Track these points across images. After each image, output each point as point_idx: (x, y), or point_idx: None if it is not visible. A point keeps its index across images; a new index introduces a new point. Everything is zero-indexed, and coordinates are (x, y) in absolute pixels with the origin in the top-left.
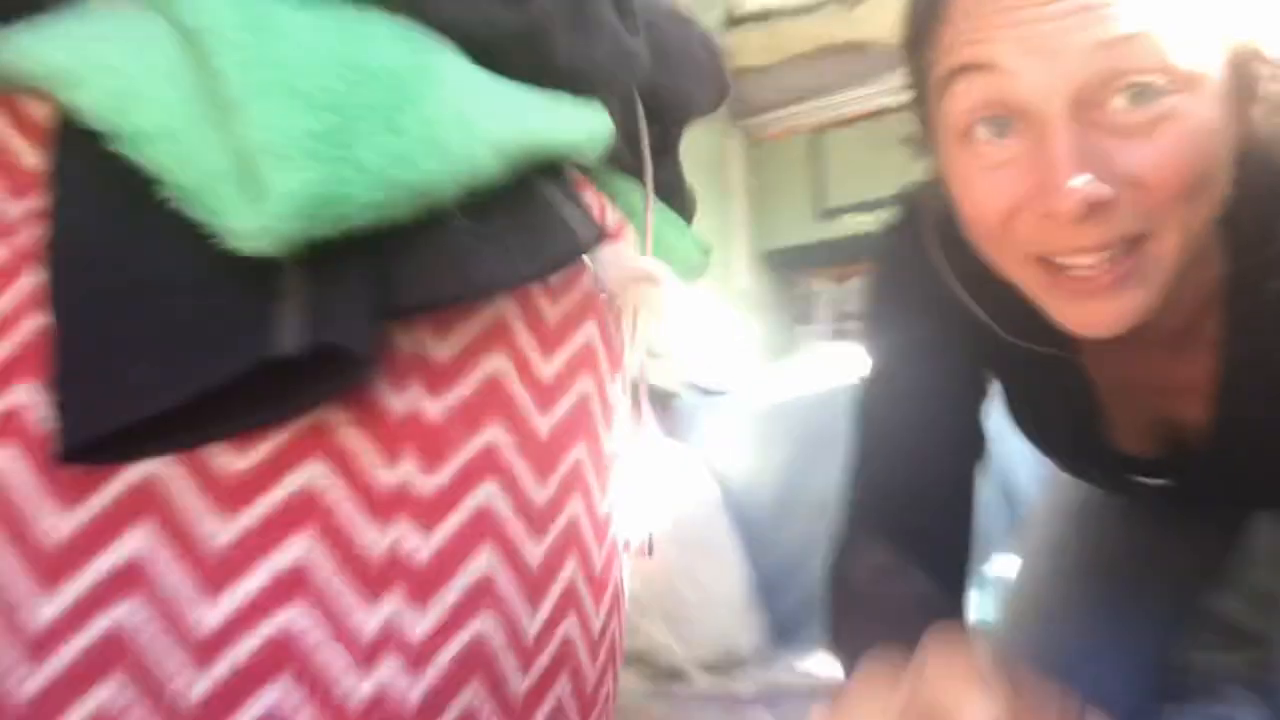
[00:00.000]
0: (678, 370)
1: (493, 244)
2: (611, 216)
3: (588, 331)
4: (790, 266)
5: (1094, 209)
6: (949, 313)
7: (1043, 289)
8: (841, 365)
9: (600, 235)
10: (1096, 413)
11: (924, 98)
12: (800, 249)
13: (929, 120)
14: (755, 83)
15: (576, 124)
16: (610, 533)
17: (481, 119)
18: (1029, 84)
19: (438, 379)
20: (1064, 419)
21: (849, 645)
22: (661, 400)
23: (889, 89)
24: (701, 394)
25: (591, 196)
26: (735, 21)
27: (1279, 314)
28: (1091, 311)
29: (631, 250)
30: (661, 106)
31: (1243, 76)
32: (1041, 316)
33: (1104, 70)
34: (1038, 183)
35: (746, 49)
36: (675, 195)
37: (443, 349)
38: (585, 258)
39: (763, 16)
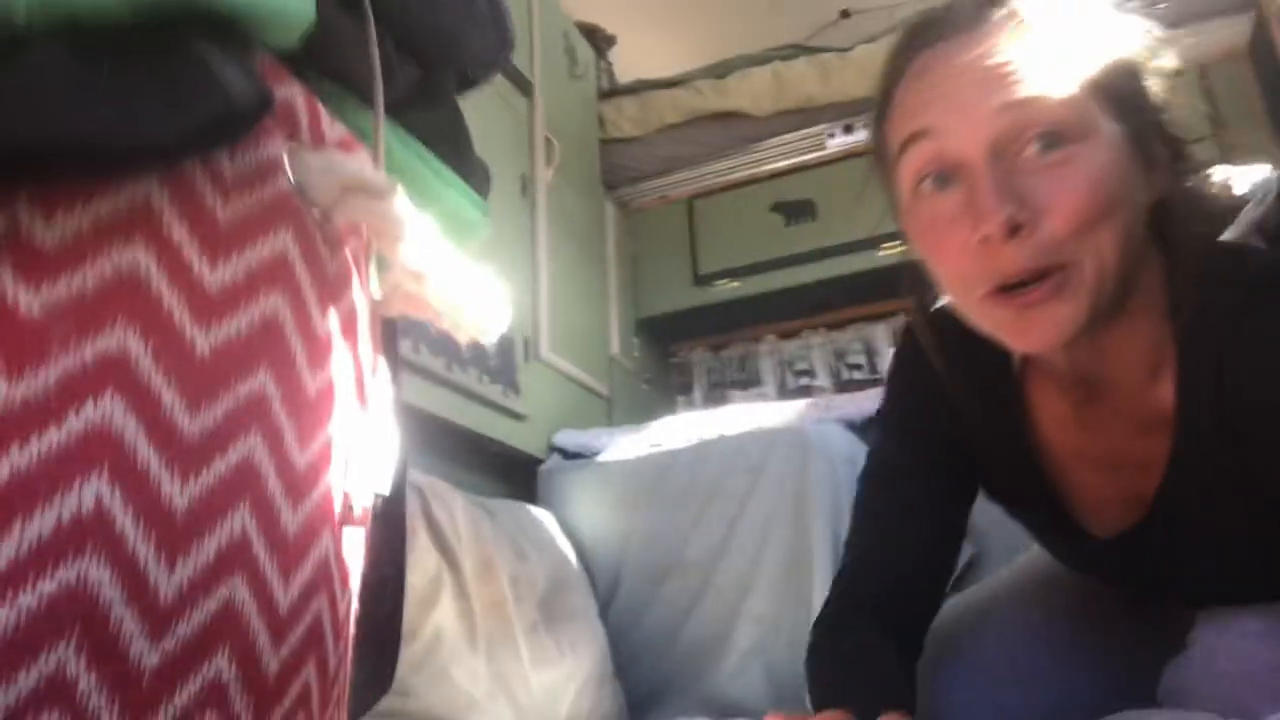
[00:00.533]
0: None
1: (105, 92)
2: (334, 130)
3: (277, 242)
4: (666, 334)
5: (1015, 230)
6: (939, 407)
7: (995, 317)
8: (709, 428)
9: (267, 103)
10: (1058, 490)
11: (886, 166)
12: (675, 316)
13: (892, 185)
14: (629, 153)
15: None
16: (313, 491)
17: None
18: (956, 140)
19: (39, 265)
20: (1029, 494)
21: (822, 696)
22: (526, 464)
23: (758, 157)
24: (564, 458)
25: (300, 98)
26: (608, 94)
27: (1221, 374)
28: (1033, 324)
29: (354, 161)
30: (424, 46)
31: (1141, 141)
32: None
33: (1012, 125)
34: (973, 217)
35: (620, 120)
36: (451, 149)
37: (51, 229)
38: (284, 161)
39: (635, 89)
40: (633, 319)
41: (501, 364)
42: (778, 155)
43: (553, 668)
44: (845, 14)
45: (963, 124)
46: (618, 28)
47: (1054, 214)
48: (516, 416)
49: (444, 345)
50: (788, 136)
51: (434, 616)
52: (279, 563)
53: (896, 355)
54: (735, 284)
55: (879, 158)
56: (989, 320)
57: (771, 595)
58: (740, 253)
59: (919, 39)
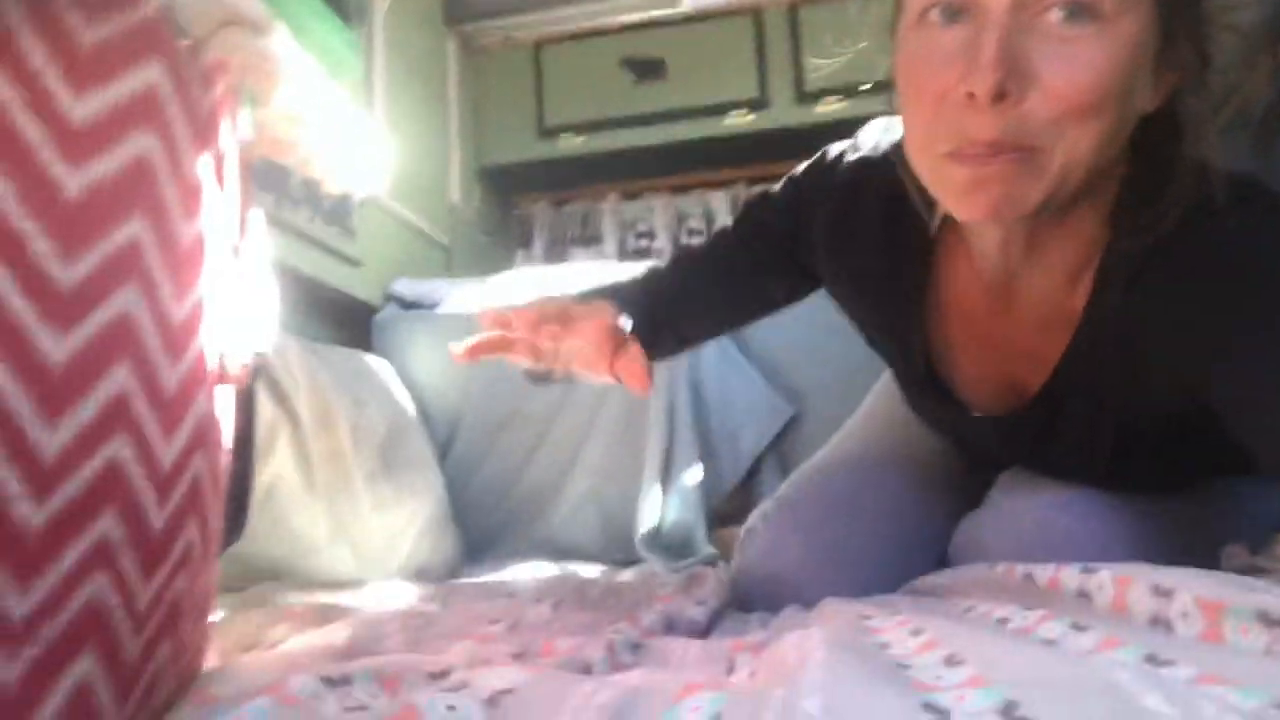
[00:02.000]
0: (375, 280)
1: None
2: None
3: (148, 75)
4: (508, 185)
5: (1002, 99)
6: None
7: (947, 175)
8: (552, 285)
9: None
10: (940, 357)
11: None
12: (518, 167)
13: (898, 4)
14: None
15: None
16: (190, 347)
17: None
18: None
19: None
20: (906, 350)
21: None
22: (360, 312)
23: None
24: (401, 307)
25: None
26: None
27: (1131, 300)
28: (983, 192)
29: None
30: None
31: (1168, 43)
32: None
33: None
34: (967, 64)
35: None
36: None
37: None
38: None
39: None
40: (474, 167)
41: (336, 206)
42: (630, 7)
43: (391, 513)
44: None
45: None
46: None
47: (1046, 91)
48: (352, 262)
49: (272, 179)
50: None
51: (271, 464)
52: (160, 421)
53: (815, 164)
54: (580, 139)
55: None
56: (939, 180)
57: (606, 446)
58: (587, 107)
59: None
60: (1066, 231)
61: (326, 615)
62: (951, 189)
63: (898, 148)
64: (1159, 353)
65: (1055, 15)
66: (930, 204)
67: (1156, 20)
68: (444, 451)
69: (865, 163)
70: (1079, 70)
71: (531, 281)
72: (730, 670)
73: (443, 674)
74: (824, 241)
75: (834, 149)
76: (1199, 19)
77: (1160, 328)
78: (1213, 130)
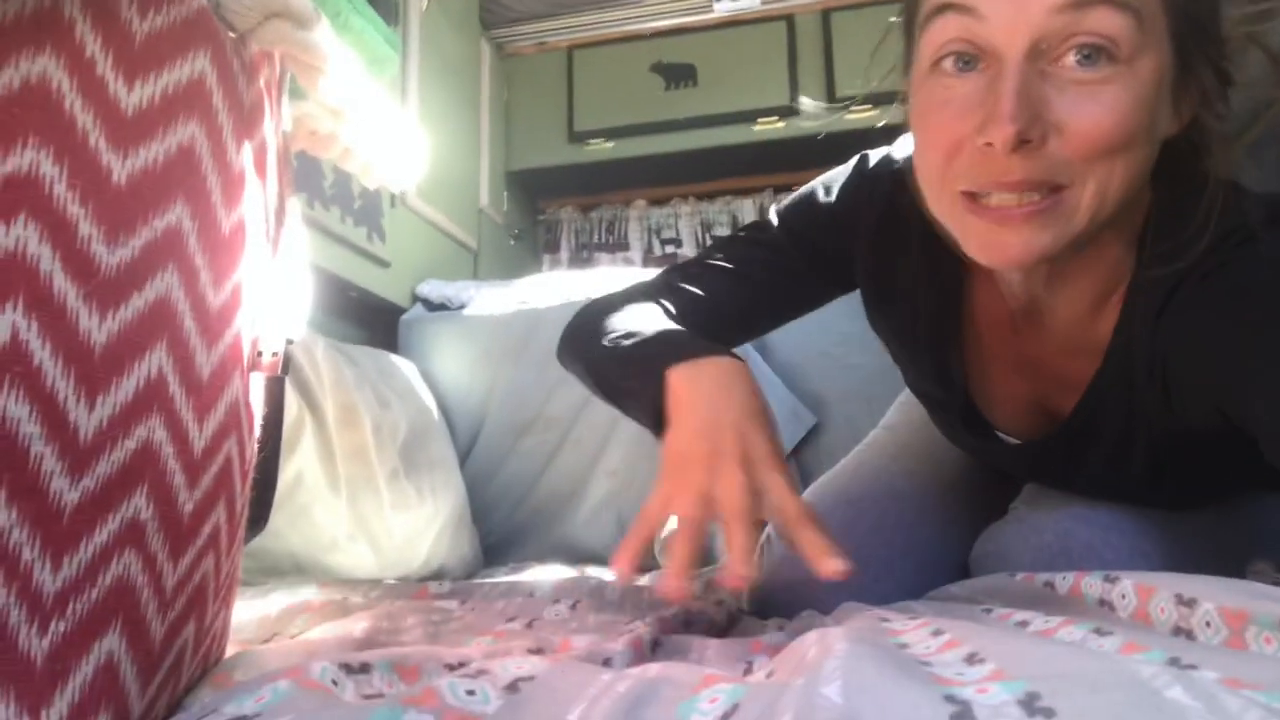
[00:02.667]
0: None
1: None
2: None
3: (196, 65)
4: (536, 190)
5: (1023, 145)
6: (848, 241)
7: (965, 224)
8: (578, 289)
9: None
10: (972, 377)
11: (911, 17)
12: (547, 171)
13: (911, 42)
14: None
15: None
16: (226, 333)
17: None
18: (996, 27)
19: None
20: (939, 369)
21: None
22: (388, 312)
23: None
24: (428, 308)
25: None
26: None
27: (1162, 327)
28: (1005, 242)
29: None
30: None
31: (1186, 71)
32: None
33: (1064, 28)
34: (985, 114)
35: None
36: None
37: None
38: None
39: None
40: (503, 171)
41: (366, 207)
42: (663, 12)
43: (412, 512)
44: None
45: (1009, 14)
46: None
47: (1068, 136)
48: (380, 263)
49: (305, 180)
50: None
51: (295, 460)
52: (194, 405)
53: (855, 181)
54: (610, 145)
55: (908, 4)
56: (955, 222)
57: (626, 451)
58: (617, 112)
59: None
60: (1090, 259)
61: (346, 608)
62: (968, 235)
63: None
64: (1192, 378)
65: (1071, 60)
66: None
67: (1173, 52)
68: (466, 452)
69: (901, 185)
70: (1101, 114)
71: (556, 284)
72: (748, 670)
73: (461, 665)
74: (866, 266)
75: (871, 163)
76: (1215, 43)
77: (1194, 354)
78: (1238, 150)
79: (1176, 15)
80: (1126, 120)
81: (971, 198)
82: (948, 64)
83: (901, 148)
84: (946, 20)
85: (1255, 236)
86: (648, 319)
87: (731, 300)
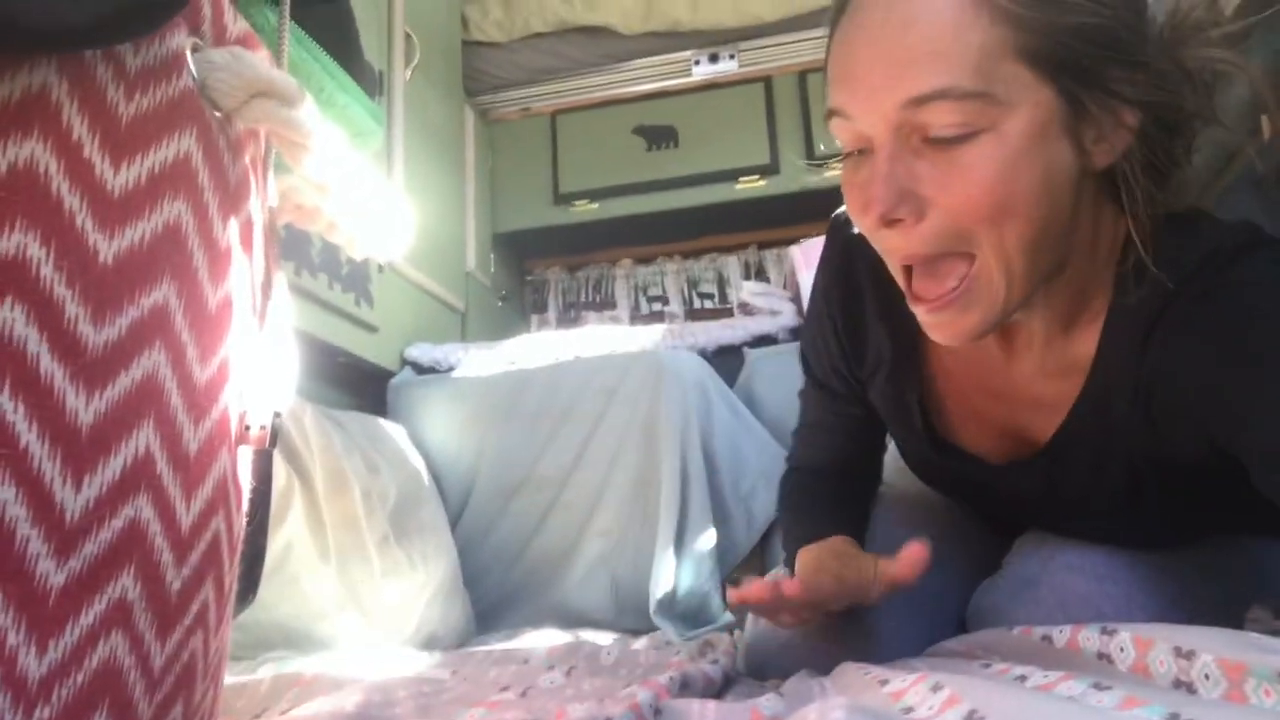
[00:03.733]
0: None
1: None
2: (237, 25)
3: (181, 145)
4: (523, 251)
5: (894, 224)
6: (833, 336)
7: (912, 306)
8: (565, 349)
9: None
10: (936, 409)
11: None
12: (533, 233)
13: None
14: (492, 59)
15: None
16: (213, 409)
17: None
18: (863, 123)
19: None
20: (910, 419)
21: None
22: (377, 376)
23: (624, 77)
24: (416, 371)
25: None
26: None
27: (1147, 354)
28: (942, 324)
29: (261, 62)
30: None
31: (1081, 107)
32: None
33: (915, 116)
34: (865, 198)
35: (485, 23)
36: (343, 50)
37: None
38: (188, 57)
39: None
40: (489, 234)
41: (354, 273)
42: (643, 77)
43: (403, 579)
44: None
45: (867, 112)
46: None
47: (941, 209)
48: (369, 328)
49: (293, 248)
50: (654, 59)
51: (284, 529)
52: (181, 482)
53: (821, 270)
54: (594, 205)
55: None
56: (908, 299)
57: (619, 511)
58: (601, 174)
59: None
60: (1063, 282)
61: (337, 682)
62: (919, 316)
63: None
64: (1180, 405)
65: (934, 135)
66: None
67: (1056, 95)
68: (457, 516)
69: (850, 243)
70: (968, 185)
71: (544, 344)
72: None
73: None
74: (843, 326)
75: (837, 226)
76: (1124, 73)
77: (1181, 381)
78: (1198, 177)
79: (1047, 71)
80: (997, 185)
81: (906, 276)
82: (854, 155)
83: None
84: (838, 122)
85: (1237, 261)
86: (799, 512)
87: (828, 446)
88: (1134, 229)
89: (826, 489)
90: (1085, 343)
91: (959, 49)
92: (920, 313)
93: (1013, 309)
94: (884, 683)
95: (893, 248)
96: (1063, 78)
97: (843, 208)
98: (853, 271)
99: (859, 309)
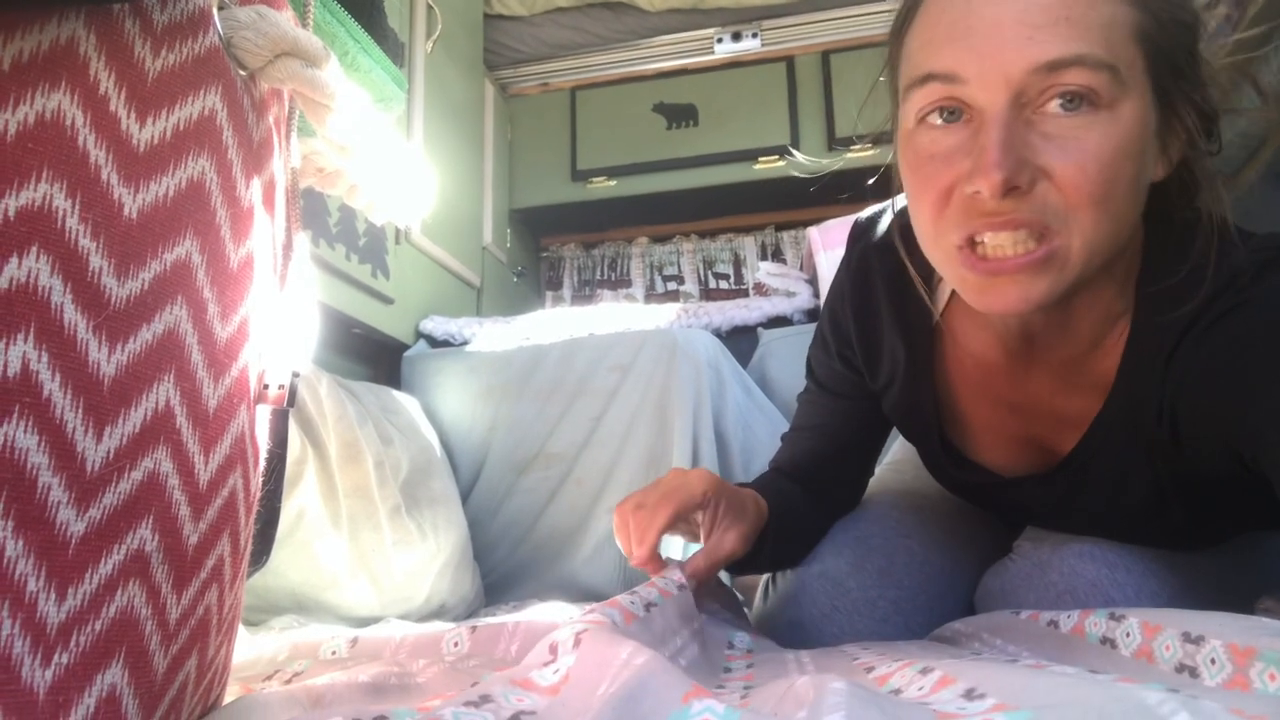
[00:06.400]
0: (407, 318)
1: None
2: None
3: (206, 102)
4: (539, 227)
5: (1011, 191)
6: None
7: (962, 275)
8: (580, 325)
9: None
10: (951, 420)
11: (896, 78)
12: (550, 209)
13: (896, 98)
14: (514, 32)
15: None
16: (233, 366)
17: None
18: (978, 87)
19: None
20: (927, 431)
21: None
22: (392, 348)
23: (645, 54)
24: (431, 344)
25: None
26: None
27: (1172, 370)
28: (1001, 292)
29: (285, 22)
30: None
31: (1169, 115)
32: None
33: (1042, 82)
34: (972, 164)
35: None
36: (367, 13)
37: None
38: (214, 14)
39: None
40: (506, 209)
41: (371, 244)
42: (665, 54)
43: (414, 550)
44: None
45: (989, 75)
46: None
47: (1056, 181)
48: (384, 300)
49: (310, 218)
50: (676, 36)
51: (298, 496)
52: (200, 437)
53: (841, 275)
54: (612, 183)
55: (893, 63)
56: (954, 276)
57: (630, 488)
58: (619, 151)
59: None
60: (1091, 298)
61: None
62: (969, 288)
63: (903, 233)
64: (1205, 422)
65: (1055, 106)
66: (931, 288)
67: (1154, 98)
68: (468, 489)
69: (867, 251)
70: (1086, 160)
71: (558, 320)
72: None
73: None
74: (857, 336)
75: (857, 234)
76: (1194, 84)
77: (1207, 398)
78: (1227, 189)
79: (1154, 63)
80: (1111, 166)
81: (968, 248)
82: (933, 118)
83: (886, 217)
84: (937, 87)
85: (1262, 278)
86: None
87: (811, 452)
88: (1168, 239)
89: (796, 489)
90: (1107, 358)
91: (1094, 17)
92: (979, 279)
93: (1069, 292)
94: (869, 670)
95: (988, 215)
96: (1161, 73)
97: (863, 213)
98: (869, 281)
99: (874, 319)
